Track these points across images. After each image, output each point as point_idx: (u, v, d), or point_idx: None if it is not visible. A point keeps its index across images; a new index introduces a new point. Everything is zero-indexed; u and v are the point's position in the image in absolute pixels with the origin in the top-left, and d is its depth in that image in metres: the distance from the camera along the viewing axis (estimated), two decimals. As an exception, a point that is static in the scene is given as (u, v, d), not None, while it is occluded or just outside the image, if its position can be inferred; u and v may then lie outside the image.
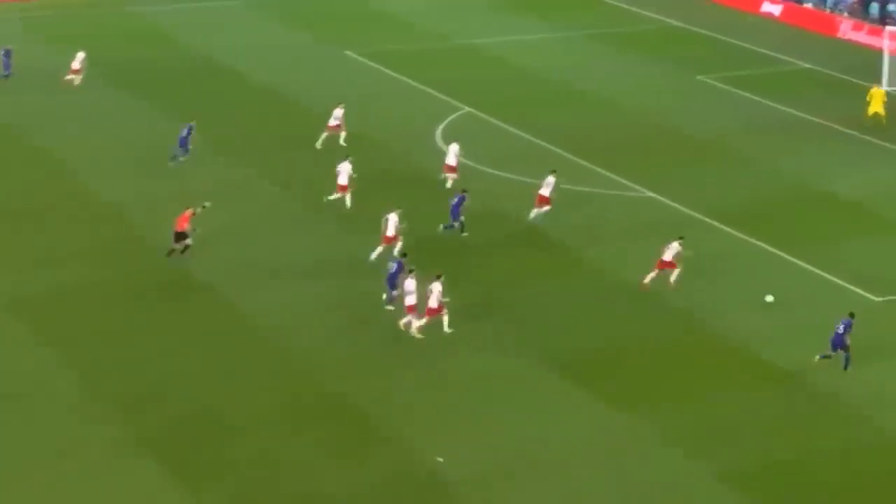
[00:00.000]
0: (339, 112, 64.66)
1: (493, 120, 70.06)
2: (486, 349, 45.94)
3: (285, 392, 43.12)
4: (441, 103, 72.93)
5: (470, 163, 62.41)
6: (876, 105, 70.12)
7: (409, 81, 76.94)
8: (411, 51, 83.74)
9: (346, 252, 53.31)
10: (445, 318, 46.52)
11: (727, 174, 63.43)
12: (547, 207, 55.93)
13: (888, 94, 72.36)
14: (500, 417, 41.90)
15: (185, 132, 62.25)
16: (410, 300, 46.24)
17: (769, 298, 48.96)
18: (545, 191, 56.03)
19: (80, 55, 73.58)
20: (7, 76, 73.73)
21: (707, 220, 57.50)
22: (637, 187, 60.85)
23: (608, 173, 62.40)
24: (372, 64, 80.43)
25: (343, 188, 56.95)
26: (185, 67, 79.10)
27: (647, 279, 50.13)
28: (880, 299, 50.47)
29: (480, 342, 46.32)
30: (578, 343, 46.69)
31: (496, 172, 62.33)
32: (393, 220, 51.94)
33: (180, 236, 51.78)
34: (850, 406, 42.83)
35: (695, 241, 52.63)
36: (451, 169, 59.89)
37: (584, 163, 63.59)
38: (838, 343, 44.65)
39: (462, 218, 54.87)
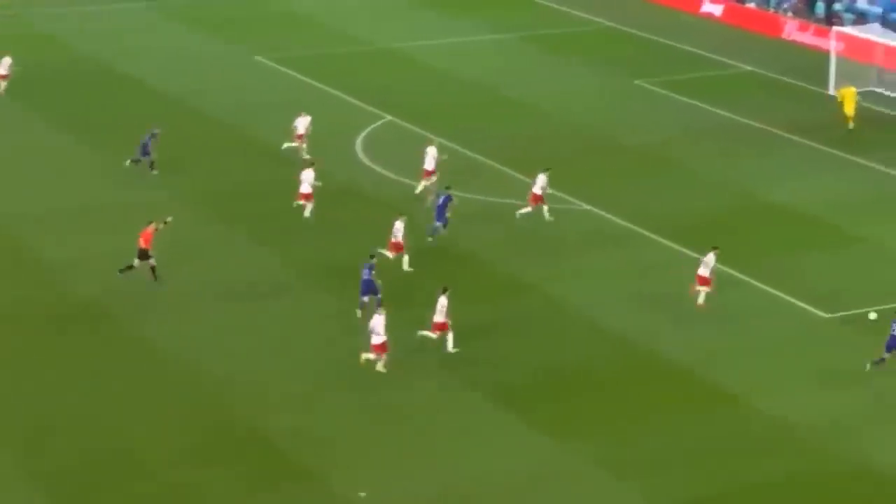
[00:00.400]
0: (304, 121, 64.59)
1: (416, 129, 70.32)
2: (412, 375, 46.14)
3: (196, 424, 43.03)
4: (361, 112, 73.20)
5: (391, 174, 62.78)
6: (849, 105, 70.85)
7: (326, 88, 77.22)
8: (327, 55, 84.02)
9: (259, 271, 53.34)
10: (450, 337, 46.94)
11: (667, 184, 63.91)
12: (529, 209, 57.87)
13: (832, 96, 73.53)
14: (430, 449, 42.09)
15: (146, 138, 62.91)
16: (377, 340, 45.79)
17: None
18: (538, 189, 57.64)
19: (7, 60, 73.42)
20: None
21: (646, 233, 57.99)
22: (573, 200, 61.23)
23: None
24: (284, 69, 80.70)
25: (306, 196, 57.56)
26: (80, 74, 79.09)
27: (700, 300, 50.55)
28: (829, 316, 51.07)
29: (406, 370, 46.47)
30: (516, 369, 47.04)
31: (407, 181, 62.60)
32: (399, 227, 53.00)
33: (143, 254, 51.12)
34: (798, 431, 43.24)
35: (634, 254, 53.04)
36: (429, 174, 60.14)
37: (515, 174, 63.94)
38: (893, 345, 45.43)
39: (449, 215, 55.65)
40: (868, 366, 45.91)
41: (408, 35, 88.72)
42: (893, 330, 45.75)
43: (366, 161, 65.68)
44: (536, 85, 79.03)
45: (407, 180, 62.50)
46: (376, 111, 73.14)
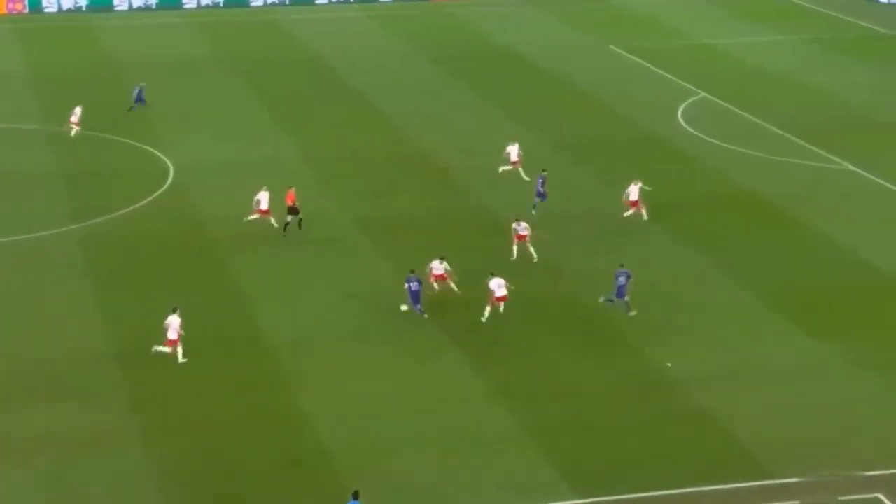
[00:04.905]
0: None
1: (725, 104, 70.76)
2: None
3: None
4: (682, 89, 73.57)
5: (704, 136, 64.34)
6: None
7: (658, 70, 77.56)
8: (661, 46, 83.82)
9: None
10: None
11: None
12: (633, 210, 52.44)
13: None
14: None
15: (136, 91, 66.32)
16: (171, 334, 40.54)
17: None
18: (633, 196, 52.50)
19: (78, 110, 63.84)
20: None
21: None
22: (840, 160, 61.12)
23: (817, 149, 62.90)
24: (629, 55, 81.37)
25: (264, 212, 51.10)
26: (493, 60, 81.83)
27: None
28: None
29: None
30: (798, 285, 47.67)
31: (725, 146, 63.63)
32: (525, 225, 48.60)
33: (293, 210, 50.36)
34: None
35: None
36: (515, 163, 57.22)
37: (800, 141, 64.15)
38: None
39: (543, 189, 52.81)
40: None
41: (721, 34, 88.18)
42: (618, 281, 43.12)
43: (685, 125, 67.24)
44: (826, 76, 77.28)
45: (715, 141, 63.79)
46: (694, 89, 73.56)
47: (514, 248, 48.68)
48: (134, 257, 49.40)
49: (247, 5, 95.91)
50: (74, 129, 63.19)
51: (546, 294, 46.16)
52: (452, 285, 45.02)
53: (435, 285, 44.96)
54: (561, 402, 38.97)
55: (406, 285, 43.90)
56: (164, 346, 40.72)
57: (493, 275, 44.15)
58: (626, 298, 43.99)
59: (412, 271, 44.31)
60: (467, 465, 35.52)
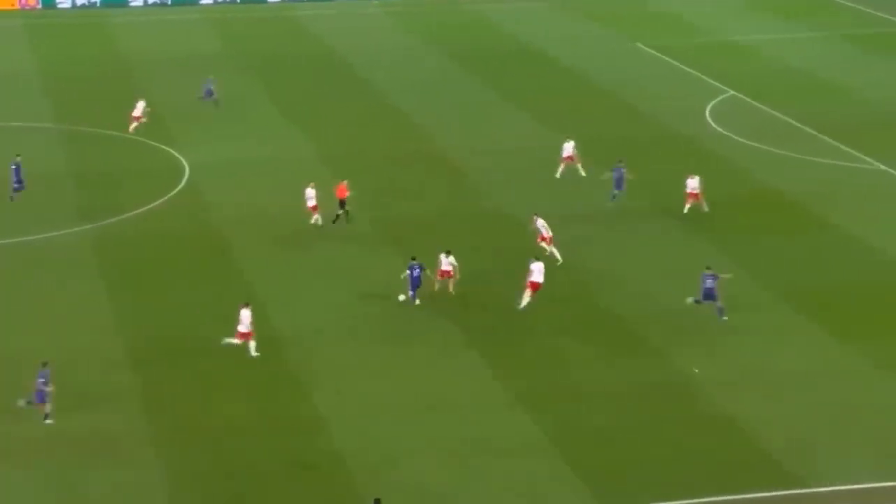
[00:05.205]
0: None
1: (754, 103, 70.28)
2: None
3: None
4: (710, 86, 73.38)
5: (733, 135, 64.01)
6: None
7: (685, 68, 77.36)
8: (687, 44, 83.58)
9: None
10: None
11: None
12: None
13: None
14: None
15: (206, 86, 66.27)
16: (242, 328, 41.09)
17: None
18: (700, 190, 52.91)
19: (141, 104, 64.06)
20: None
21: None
22: (872, 161, 60.65)
23: (847, 148, 62.43)
24: (655, 53, 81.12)
25: (313, 209, 51.36)
26: (518, 56, 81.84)
27: None
28: None
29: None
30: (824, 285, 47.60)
31: (754, 144, 63.24)
32: (542, 224, 48.20)
33: (342, 203, 51.26)
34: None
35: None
36: (568, 159, 57.27)
37: (829, 139, 63.75)
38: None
39: (630, 177, 53.73)
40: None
41: (749, 31, 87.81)
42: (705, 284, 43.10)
43: (713, 124, 66.85)
44: (848, 72, 77.23)
45: (743, 140, 63.42)
46: (722, 87, 73.37)
47: (552, 248, 47.87)
48: (147, 258, 49.26)
49: (263, 1, 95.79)
50: (135, 124, 63.02)
51: (567, 296, 45.79)
52: (450, 285, 44.91)
53: (437, 284, 44.81)
54: (582, 406, 38.61)
55: (408, 272, 44.18)
56: (235, 338, 40.80)
57: (536, 258, 44.45)
58: (720, 304, 43.48)
59: (413, 258, 44.66)
60: (486, 471, 35.21)
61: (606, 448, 36.42)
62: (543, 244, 48.02)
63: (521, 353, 41.78)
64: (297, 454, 35.98)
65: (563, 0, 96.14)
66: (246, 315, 41.00)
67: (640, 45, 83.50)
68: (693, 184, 53.09)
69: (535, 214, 48.97)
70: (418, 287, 44.39)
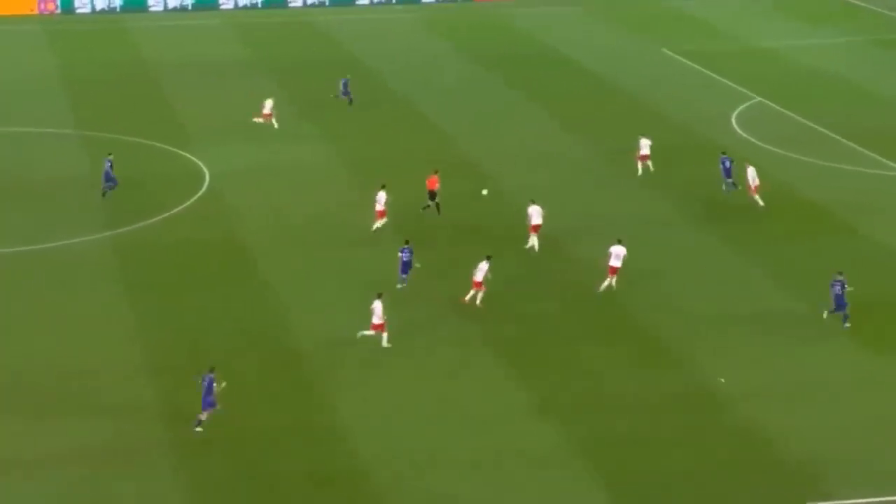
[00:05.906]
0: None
1: (782, 109, 70.49)
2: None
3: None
4: (736, 93, 73.47)
5: (759, 142, 64.02)
6: None
7: (712, 74, 77.41)
8: (713, 50, 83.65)
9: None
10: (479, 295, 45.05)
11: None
12: None
13: None
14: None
15: (342, 84, 68.01)
16: (376, 319, 42.29)
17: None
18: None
19: (269, 102, 66.08)
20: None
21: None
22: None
23: (876, 155, 62.46)
24: (681, 58, 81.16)
25: (381, 213, 52.04)
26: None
27: None
28: None
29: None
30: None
31: (780, 151, 63.23)
32: (534, 211, 49.72)
33: (433, 195, 52.64)
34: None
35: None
36: (644, 157, 58.67)
37: (857, 146, 63.74)
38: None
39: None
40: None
41: (776, 36, 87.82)
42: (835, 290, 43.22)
43: (739, 130, 66.87)
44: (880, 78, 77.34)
45: (770, 147, 63.42)
46: (749, 93, 73.38)
47: (534, 238, 49.35)
48: (169, 264, 49.62)
49: (285, 6, 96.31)
50: (263, 121, 65.10)
51: (591, 303, 45.96)
52: (478, 298, 45.12)
53: (467, 297, 45.14)
54: (606, 415, 38.81)
55: (399, 254, 46.27)
56: (370, 330, 42.00)
57: (619, 242, 46.07)
58: (846, 311, 43.60)
59: (407, 242, 46.77)
60: (510, 481, 35.40)
61: (632, 458, 36.57)
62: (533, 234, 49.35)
63: (544, 362, 41.98)
64: (319, 464, 36.26)
65: (589, 5, 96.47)
66: (378, 307, 41.76)
67: (666, 50, 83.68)
68: (752, 174, 53.86)
69: (532, 200, 50.02)
70: (408, 271, 46.26)
